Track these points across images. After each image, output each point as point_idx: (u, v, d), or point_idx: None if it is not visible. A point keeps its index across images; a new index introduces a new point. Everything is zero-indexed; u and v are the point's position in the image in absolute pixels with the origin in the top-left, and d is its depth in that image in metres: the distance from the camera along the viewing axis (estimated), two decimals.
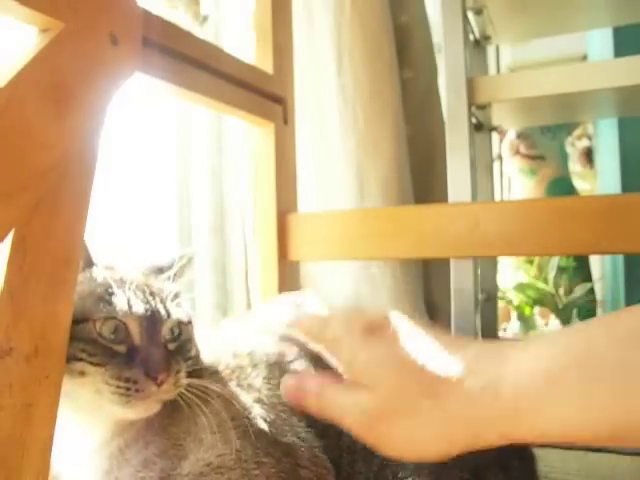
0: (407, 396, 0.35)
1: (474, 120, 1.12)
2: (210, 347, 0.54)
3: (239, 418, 0.47)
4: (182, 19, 0.99)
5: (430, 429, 0.35)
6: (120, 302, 0.46)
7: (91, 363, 0.44)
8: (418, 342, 0.38)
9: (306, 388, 0.41)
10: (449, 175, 0.99)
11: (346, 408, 0.37)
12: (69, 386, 0.44)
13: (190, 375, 0.48)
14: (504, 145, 2.25)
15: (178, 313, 0.50)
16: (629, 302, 1.75)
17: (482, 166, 1.24)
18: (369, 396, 0.36)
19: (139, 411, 0.45)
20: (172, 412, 0.47)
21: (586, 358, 0.33)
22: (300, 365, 0.54)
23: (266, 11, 0.87)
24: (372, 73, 1.10)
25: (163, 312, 0.48)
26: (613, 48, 1.61)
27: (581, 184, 2.39)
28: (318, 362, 0.50)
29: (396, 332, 0.38)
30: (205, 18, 1.13)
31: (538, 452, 0.58)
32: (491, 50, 1.93)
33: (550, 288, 2.40)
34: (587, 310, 2.45)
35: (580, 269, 2.38)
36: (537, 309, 2.07)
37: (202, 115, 1.20)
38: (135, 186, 1.06)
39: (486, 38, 1.26)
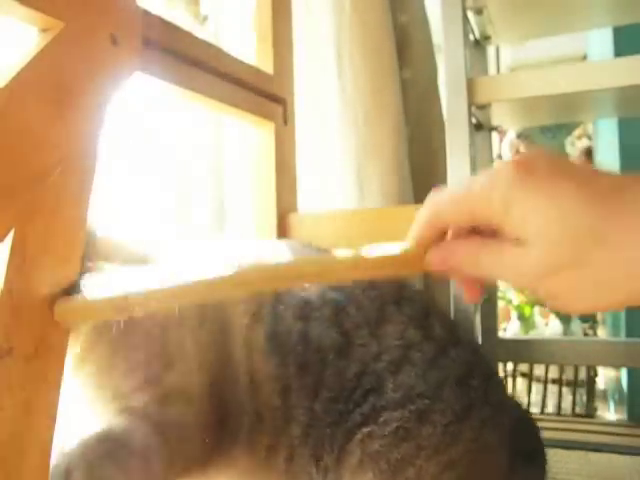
0: (574, 247, 0.31)
1: (474, 120, 1.12)
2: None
3: None
4: (182, 19, 0.99)
5: (601, 279, 0.31)
6: None
7: None
8: (577, 181, 0.32)
9: (458, 252, 0.36)
10: (449, 175, 0.98)
11: (507, 266, 0.34)
12: None
13: None
14: (504, 145, 2.26)
15: None
16: None
17: (482, 166, 1.24)
18: (531, 251, 0.32)
19: None
20: None
21: None
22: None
23: (266, 11, 0.87)
24: (372, 73, 1.10)
25: None
26: (613, 48, 1.61)
27: None
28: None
29: (552, 173, 0.32)
30: (205, 18, 1.13)
31: None
32: (491, 50, 1.93)
33: None
34: None
35: None
36: (537, 309, 2.07)
37: (202, 115, 1.19)
38: (135, 186, 1.06)
39: (486, 38, 1.26)
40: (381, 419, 0.51)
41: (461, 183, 0.36)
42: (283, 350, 0.53)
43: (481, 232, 0.35)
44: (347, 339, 0.54)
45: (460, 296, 0.93)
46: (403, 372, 0.52)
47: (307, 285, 0.55)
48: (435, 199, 0.37)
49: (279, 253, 0.62)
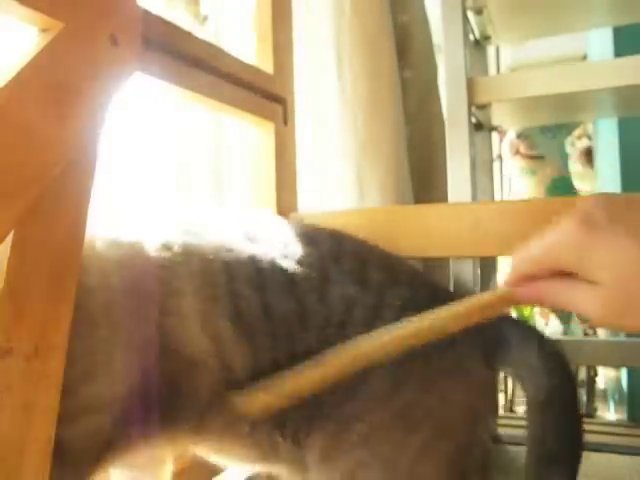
0: (634, 287, 0.37)
1: (474, 120, 1.12)
2: None
3: None
4: (182, 19, 0.99)
5: None
6: None
7: None
8: (633, 230, 0.37)
9: (545, 288, 0.42)
10: (449, 175, 0.99)
11: (578, 298, 0.40)
12: None
13: None
14: (504, 145, 2.26)
15: None
16: None
17: (482, 166, 1.24)
18: (605, 291, 0.38)
19: None
20: None
21: None
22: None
23: (266, 11, 0.87)
24: (372, 73, 1.10)
25: None
26: (613, 48, 1.61)
27: (581, 184, 2.39)
28: None
29: (610, 225, 0.38)
30: (205, 18, 1.13)
31: None
32: (491, 50, 1.93)
33: None
34: None
35: None
36: (537, 309, 2.07)
37: (202, 115, 1.19)
38: (134, 186, 1.06)
39: (486, 38, 1.26)
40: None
41: (531, 244, 0.43)
42: (251, 327, 0.53)
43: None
44: (302, 307, 0.54)
45: (460, 296, 0.93)
46: (347, 334, 0.51)
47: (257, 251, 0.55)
48: (516, 262, 0.44)
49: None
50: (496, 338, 0.57)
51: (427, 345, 0.51)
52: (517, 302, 0.45)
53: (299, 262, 0.56)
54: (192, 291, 0.52)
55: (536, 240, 0.42)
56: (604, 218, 0.38)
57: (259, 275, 0.55)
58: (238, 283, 0.54)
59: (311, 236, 0.61)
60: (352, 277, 0.56)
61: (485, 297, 0.47)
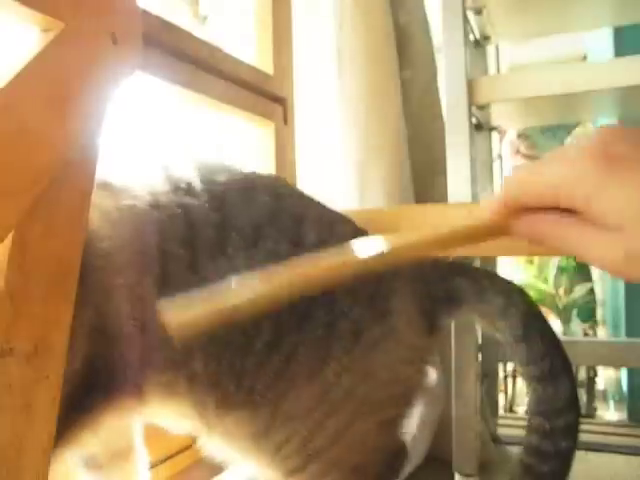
0: None
1: (474, 120, 1.12)
2: None
3: None
4: (182, 19, 0.99)
5: None
6: None
7: None
8: None
9: (545, 225, 0.36)
10: (449, 175, 0.99)
11: (595, 249, 0.34)
12: None
13: None
14: (504, 145, 2.26)
15: None
16: (629, 302, 1.75)
17: (482, 166, 1.24)
18: (620, 237, 0.32)
19: None
20: None
21: None
22: None
23: (266, 11, 0.87)
24: (372, 73, 1.10)
25: None
26: (613, 48, 1.61)
27: None
28: None
29: (636, 160, 0.32)
30: (205, 18, 1.13)
31: None
32: (491, 50, 1.93)
33: (550, 288, 2.40)
34: (587, 310, 2.46)
35: (580, 269, 2.39)
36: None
37: (202, 115, 1.19)
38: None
39: (486, 38, 1.26)
40: (258, 346, 0.51)
41: (538, 166, 0.36)
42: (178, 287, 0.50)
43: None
44: (231, 263, 0.52)
45: None
46: None
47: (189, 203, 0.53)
48: (513, 183, 0.37)
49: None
50: (444, 294, 0.57)
51: (356, 318, 0.51)
52: (508, 235, 0.39)
53: (231, 215, 0.54)
54: (123, 279, 0.50)
55: (540, 167, 0.36)
56: (627, 151, 0.32)
57: (190, 230, 0.52)
58: (168, 241, 0.51)
59: (249, 190, 0.58)
60: (287, 235, 0.54)
61: (471, 225, 0.40)
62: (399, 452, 0.60)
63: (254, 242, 0.53)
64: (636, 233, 0.32)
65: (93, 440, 0.56)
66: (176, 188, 0.54)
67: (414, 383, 0.57)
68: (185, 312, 0.40)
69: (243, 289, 0.39)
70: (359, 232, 0.62)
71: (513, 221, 0.38)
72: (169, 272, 0.51)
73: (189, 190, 0.55)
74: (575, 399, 0.53)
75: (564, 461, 0.52)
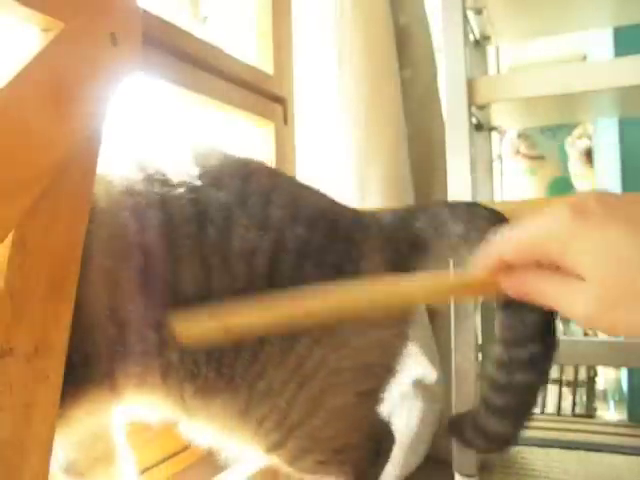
0: (628, 281, 0.33)
1: (474, 120, 1.12)
2: None
3: None
4: (182, 19, 0.99)
5: None
6: None
7: None
8: (627, 222, 0.34)
9: (527, 282, 0.39)
10: (449, 175, 0.99)
11: (569, 301, 0.36)
12: None
13: None
14: (504, 145, 2.26)
15: None
16: None
17: (482, 166, 1.24)
18: (589, 288, 0.34)
19: None
20: None
21: None
22: None
23: (266, 11, 0.87)
24: (372, 73, 1.10)
25: None
26: (613, 48, 1.61)
27: (581, 184, 2.39)
28: None
29: (605, 216, 0.35)
30: (205, 18, 1.13)
31: (538, 452, 0.58)
32: (491, 50, 1.93)
33: None
34: None
35: None
36: None
37: (202, 115, 1.19)
38: None
39: (486, 38, 1.26)
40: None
41: (518, 226, 0.39)
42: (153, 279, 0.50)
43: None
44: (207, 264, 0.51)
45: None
46: (252, 289, 0.49)
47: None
48: (496, 244, 0.40)
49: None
50: (409, 245, 0.55)
51: None
52: (497, 292, 0.41)
53: (207, 198, 0.53)
54: (102, 270, 0.49)
55: (523, 225, 0.38)
56: (598, 208, 0.35)
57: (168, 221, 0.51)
58: (144, 232, 0.50)
59: (217, 174, 0.57)
60: (255, 220, 0.53)
61: (465, 280, 0.43)
62: (383, 435, 0.59)
63: (226, 229, 0.52)
64: (604, 281, 0.34)
65: (70, 440, 0.55)
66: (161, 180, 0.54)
67: (392, 348, 0.55)
68: (196, 326, 0.43)
69: (252, 311, 0.42)
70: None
71: (502, 278, 0.40)
72: (149, 262, 0.50)
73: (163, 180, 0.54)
74: (546, 331, 0.47)
75: (521, 396, 0.49)
